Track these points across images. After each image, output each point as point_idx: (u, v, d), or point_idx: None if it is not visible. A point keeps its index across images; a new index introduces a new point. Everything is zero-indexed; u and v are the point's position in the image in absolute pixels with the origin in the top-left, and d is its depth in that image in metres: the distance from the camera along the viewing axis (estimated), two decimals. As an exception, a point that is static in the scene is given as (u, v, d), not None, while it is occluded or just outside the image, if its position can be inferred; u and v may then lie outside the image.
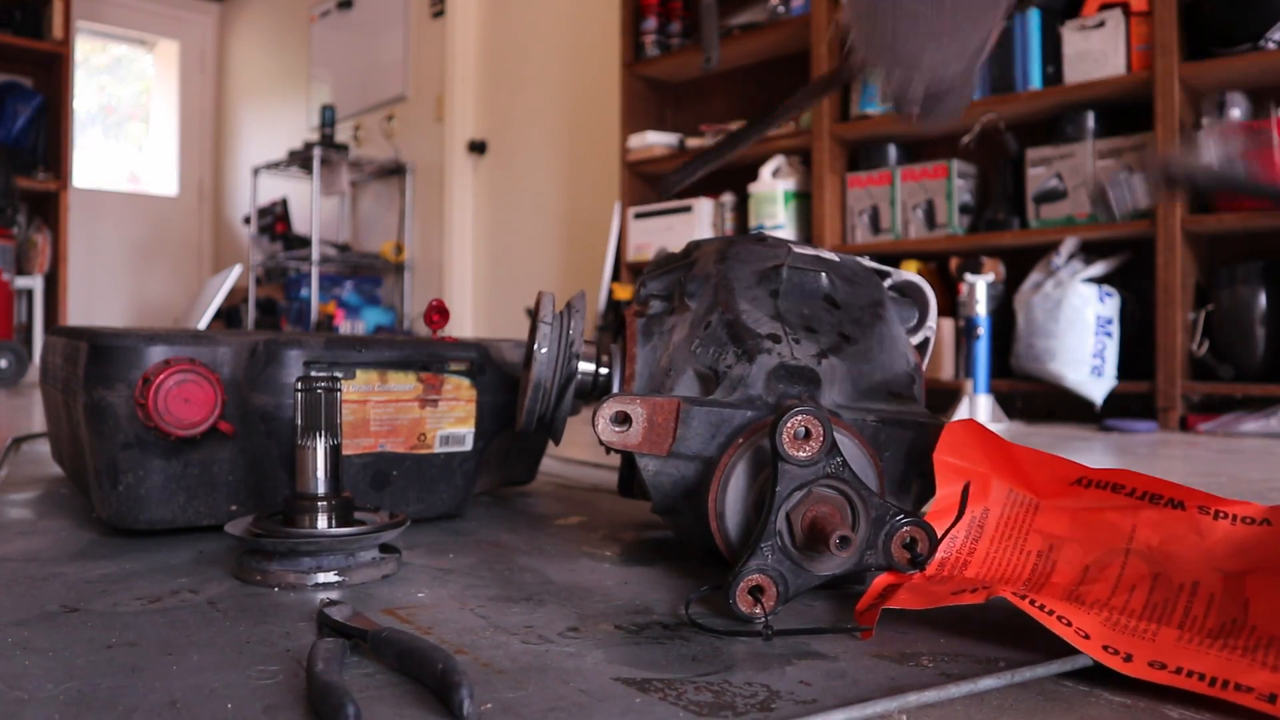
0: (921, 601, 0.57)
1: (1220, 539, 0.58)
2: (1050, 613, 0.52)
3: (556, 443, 0.81)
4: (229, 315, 5.47)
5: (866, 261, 0.85)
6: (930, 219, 2.92)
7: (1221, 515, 0.60)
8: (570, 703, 0.45)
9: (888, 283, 0.85)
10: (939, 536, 0.60)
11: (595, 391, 0.82)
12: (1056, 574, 0.60)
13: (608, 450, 0.69)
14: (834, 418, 0.65)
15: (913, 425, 0.68)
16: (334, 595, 0.65)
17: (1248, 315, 2.38)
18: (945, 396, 2.71)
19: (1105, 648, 0.49)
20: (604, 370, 0.82)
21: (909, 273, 0.85)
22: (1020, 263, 2.80)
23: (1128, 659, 0.48)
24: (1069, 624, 0.51)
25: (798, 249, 0.80)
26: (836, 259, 0.81)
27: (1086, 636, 0.50)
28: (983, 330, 2.60)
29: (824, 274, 0.78)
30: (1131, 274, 2.59)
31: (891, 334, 0.75)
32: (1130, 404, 2.56)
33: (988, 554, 0.63)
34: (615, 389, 0.81)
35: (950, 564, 0.63)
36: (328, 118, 4.95)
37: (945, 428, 0.64)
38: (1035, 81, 2.70)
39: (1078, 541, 0.61)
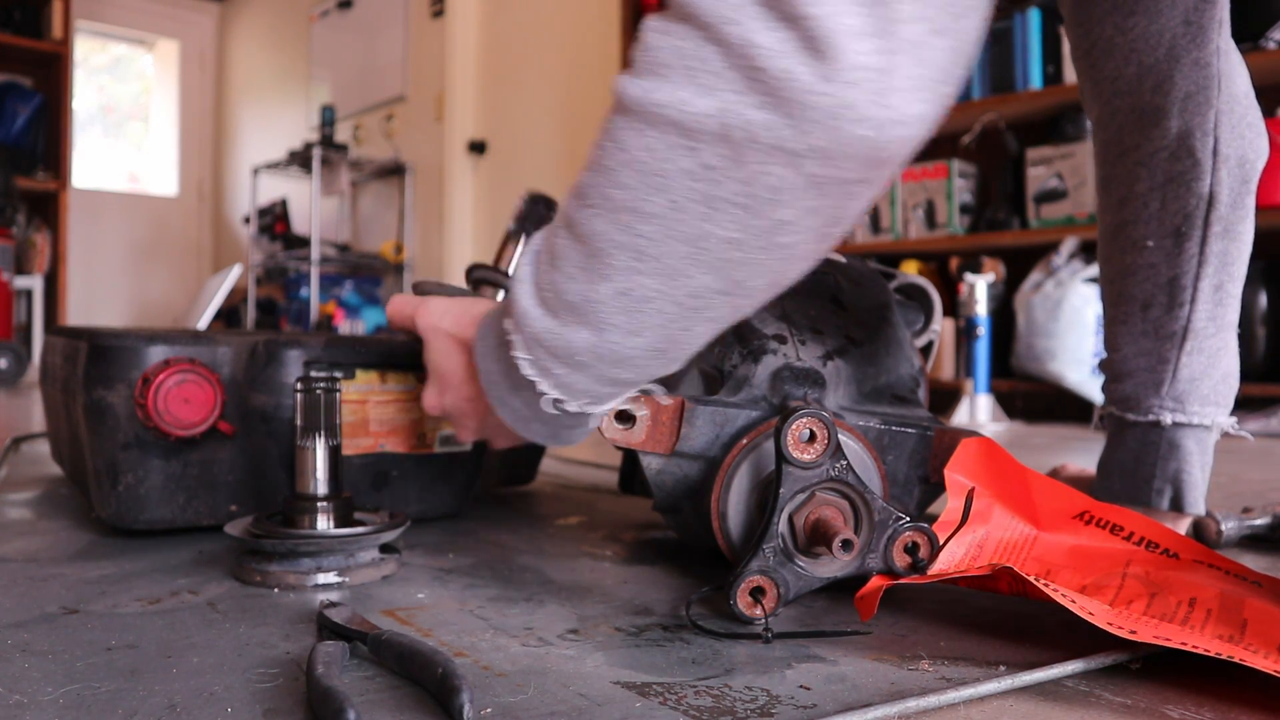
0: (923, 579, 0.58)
1: (1214, 581, 0.59)
2: (1055, 589, 0.52)
3: None
4: (229, 315, 5.47)
5: (872, 264, 0.85)
6: (930, 219, 2.91)
7: (1215, 568, 0.61)
8: (570, 707, 0.45)
9: (893, 285, 0.84)
10: (940, 544, 0.60)
11: None
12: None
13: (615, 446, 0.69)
14: (838, 420, 0.65)
15: (916, 429, 0.68)
16: (334, 596, 0.65)
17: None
18: (946, 396, 2.71)
19: (1110, 624, 0.50)
20: None
21: (914, 275, 0.85)
22: (1020, 263, 2.80)
23: (1132, 633, 0.49)
24: (1074, 601, 0.52)
25: None
26: (843, 260, 0.81)
27: (1091, 614, 0.51)
28: (983, 330, 2.60)
29: (831, 275, 0.78)
30: (1132, 274, 2.59)
31: (897, 337, 0.75)
32: (1130, 404, 2.55)
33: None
34: None
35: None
36: (327, 118, 4.94)
37: (960, 444, 0.63)
38: (1035, 81, 2.70)
39: (1074, 569, 0.62)
